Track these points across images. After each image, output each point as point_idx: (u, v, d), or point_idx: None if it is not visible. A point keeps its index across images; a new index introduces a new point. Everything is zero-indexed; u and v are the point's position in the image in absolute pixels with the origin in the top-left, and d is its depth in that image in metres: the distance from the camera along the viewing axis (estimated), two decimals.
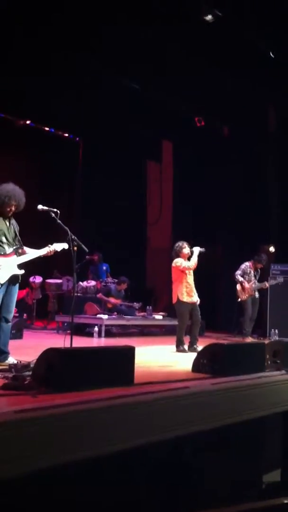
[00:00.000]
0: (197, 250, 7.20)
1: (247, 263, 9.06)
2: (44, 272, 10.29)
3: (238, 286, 8.94)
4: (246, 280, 8.95)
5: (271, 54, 8.87)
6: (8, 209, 4.92)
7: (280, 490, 4.59)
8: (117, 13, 7.82)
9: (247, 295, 8.91)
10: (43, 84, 9.37)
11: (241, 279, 8.92)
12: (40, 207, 5.13)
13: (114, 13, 7.81)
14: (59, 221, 5.13)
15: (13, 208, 4.94)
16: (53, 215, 5.16)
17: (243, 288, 8.90)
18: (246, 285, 8.88)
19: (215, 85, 9.81)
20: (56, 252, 5.20)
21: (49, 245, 5.15)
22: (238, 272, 8.99)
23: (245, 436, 4.42)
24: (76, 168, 13.23)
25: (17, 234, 5.06)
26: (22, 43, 8.21)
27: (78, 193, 13.18)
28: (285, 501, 2.11)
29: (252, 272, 9.03)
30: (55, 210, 5.18)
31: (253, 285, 8.97)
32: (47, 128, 12.33)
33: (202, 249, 7.22)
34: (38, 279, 10.48)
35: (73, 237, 5.11)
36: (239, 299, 9.00)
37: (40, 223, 5.73)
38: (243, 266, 9.04)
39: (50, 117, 11.42)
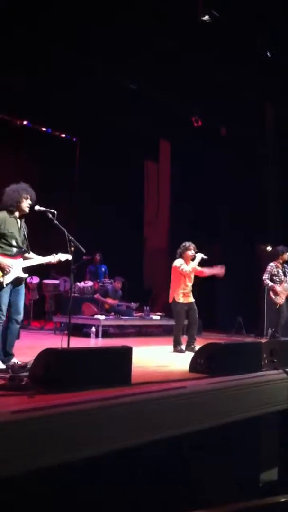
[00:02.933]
0: (199, 256, 7.27)
1: (271, 264, 8.34)
2: (41, 272, 10.28)
3: (271, 292, 8.26)
4: (278, 281, 8.27)
5: (268, 53, 8.87)
6: (24, 200, 4.94)
7: (277, 489, 4.61)
8: (114, 12, 7.81)
9: (283, 298, 8.23)
10: (40, 84, 9.38)
11: (270, 283, 8.19)
12: (37, 207, 5.10)
13: (112, 12, 7.81)
14: (56, 221, 5.11)
15: (30, 202, 4.97)
16: (50, 215, 5.13)
17: (276, 292, 8.20)
18: (278, 288, 8.18)
19: (212, 84, 9.82)
20: (59, 262, 5.19)
21: (54, 254, 5.14)
22: (265, 276, 8.24)
23: (242, 435, 4.44)
24: (73, 169, 13.23)
25: (26, 237, 5.04)
26: (18, 43, 8.21)
27: (75, 194, 13.18)
28: (282, 499, 2.11)
29: (280, 270, 8.32)
30: (52, 210, 5.15)
31: (285, 284, 8.28)
32: (44, 129, 12.34)
33: (205, 257, 7.28)
34: (35, 280, 10.48)
35: (70, 237, 5.09)
36: (278, 305, 8.24)
37: (38, 224, 5.71)
38: (268, 267, 8.30)
39: (47, 117, 11.43)
